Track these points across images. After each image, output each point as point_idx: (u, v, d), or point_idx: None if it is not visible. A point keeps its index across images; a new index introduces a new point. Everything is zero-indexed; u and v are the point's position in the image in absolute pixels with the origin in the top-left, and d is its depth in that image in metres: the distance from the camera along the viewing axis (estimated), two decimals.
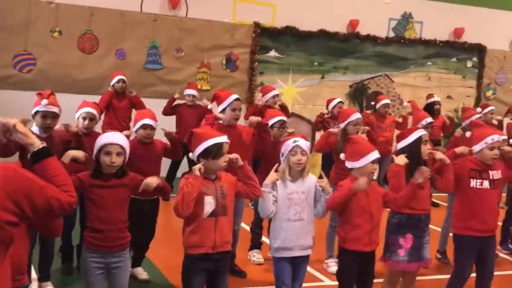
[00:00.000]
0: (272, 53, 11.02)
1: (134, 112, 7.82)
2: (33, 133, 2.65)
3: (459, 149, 5.18)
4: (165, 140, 5.70)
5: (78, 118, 5.58)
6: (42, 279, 5.20)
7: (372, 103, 9.57)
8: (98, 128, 6.00)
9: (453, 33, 12.31)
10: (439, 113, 9.50)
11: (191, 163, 4.25)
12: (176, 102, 8.91)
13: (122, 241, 3.97)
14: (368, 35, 11.55)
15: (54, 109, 4.90)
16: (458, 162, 4.92)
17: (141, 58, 10.13)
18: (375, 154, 4.33)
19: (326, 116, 8.64)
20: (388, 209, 4.92)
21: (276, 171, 4.29)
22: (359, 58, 11.65)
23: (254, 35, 10.75)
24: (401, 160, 4.60)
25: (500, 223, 6.74)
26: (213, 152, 3.91)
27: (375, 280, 4.51)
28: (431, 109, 9.22)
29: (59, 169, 2.59)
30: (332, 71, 11.49)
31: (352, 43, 11.52)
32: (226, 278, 4.13)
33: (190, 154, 4.07)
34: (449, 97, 12.30)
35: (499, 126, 8.94)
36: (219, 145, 3.94)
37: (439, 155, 4.83)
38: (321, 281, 5.83)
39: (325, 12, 11.12)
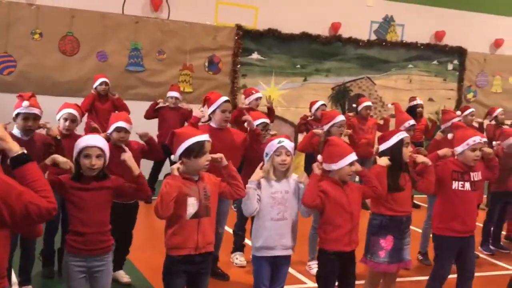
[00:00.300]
0: (255, 55, 11.01)
1: None
2: (14, 135, 2.63)
3: (442, 151, 5.22)
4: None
5: (59, 120, 5.54)
6: (22, 283, 5.15)
7: (354, 105, 9.62)
8: (80, 130, 5.95)
9: (434, 36, 12.40)
10: (421, 116, 9.61)
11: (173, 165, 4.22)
12: (159, 105, 8.87)
13: (104, 244, 3.93)
14: (350, 37, 11.59)
15: (35, 111, 4.85)
16: (440, 164, 4.96)
17: (123, 60, 10.06)
18: (352, 157, 4.32)
19: (309, 118, 8.67)
20: (369, 211, 4.95)
21: (261, 169, 4.30)
22: (341, 61, 11.69)
23: (236, 38, 10.74)
24: (384, 161, 4.63)
25: (481, 225, 6.81)
26: (195, 150, 3.89)
27: (356, 282, 4.51)
28: (413, 111, 9.32)
29: (38, 175, 2.57)
30: (315, 73, 11.52)
31: (334, 45, 11.55)
32: (206, 279, 4.11)
33: (172, 156, 4.03)
34: (430, 99, 12.38)
35: (480, 128, 9.05)
36: (200, 144, 3.92)
37: (420, 158, 4.86)
38: (304, 283, 5.83)
39: (307, 15, 11.14)
